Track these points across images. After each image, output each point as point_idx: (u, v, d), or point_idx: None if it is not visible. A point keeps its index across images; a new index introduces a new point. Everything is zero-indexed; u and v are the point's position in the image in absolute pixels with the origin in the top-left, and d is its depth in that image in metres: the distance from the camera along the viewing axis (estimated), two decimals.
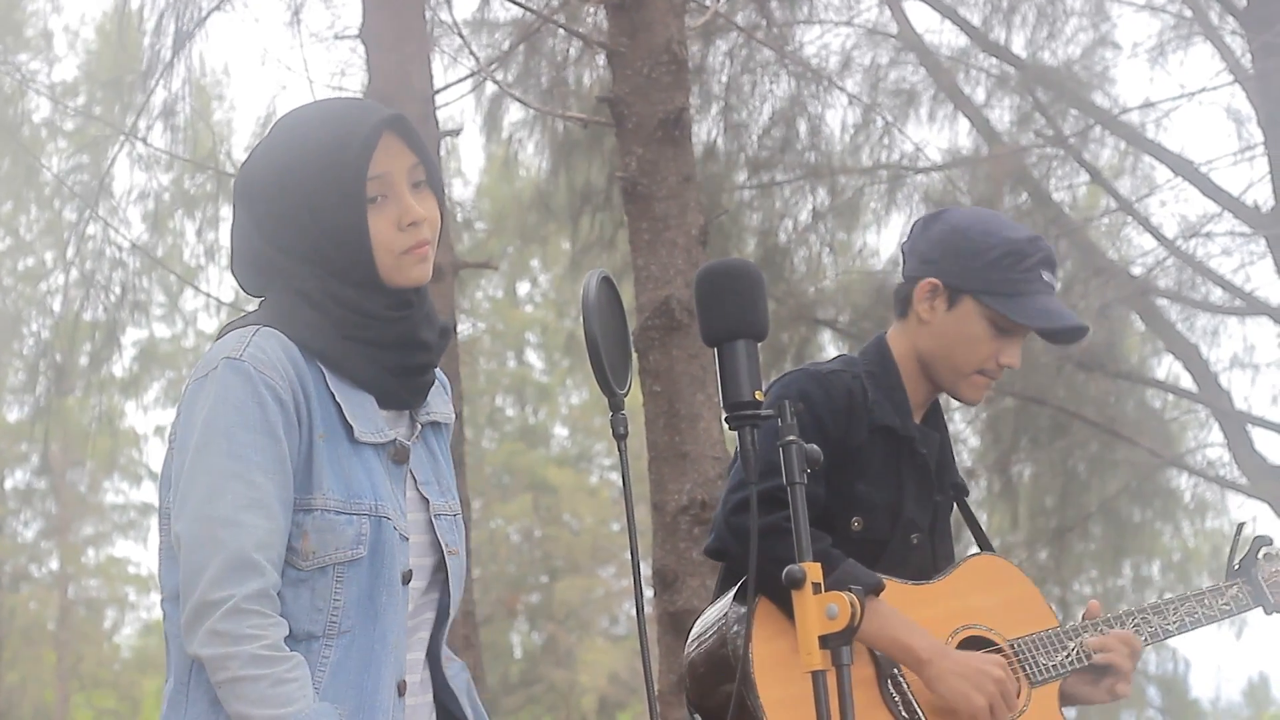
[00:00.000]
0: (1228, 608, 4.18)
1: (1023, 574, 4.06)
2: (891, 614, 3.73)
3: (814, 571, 2.68)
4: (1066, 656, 3.94)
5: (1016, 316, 3.87)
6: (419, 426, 3.02)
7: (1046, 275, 3.91)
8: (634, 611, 2.90)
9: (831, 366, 3.95)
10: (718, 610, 3.83)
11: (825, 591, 2.69)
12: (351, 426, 2.89)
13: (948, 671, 3.73)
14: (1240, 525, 4.29)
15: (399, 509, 2.92)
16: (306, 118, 2.95)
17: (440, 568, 3.01)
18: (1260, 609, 4.21)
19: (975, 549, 4.21)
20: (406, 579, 2.92)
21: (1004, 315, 3.87)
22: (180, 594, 2.80)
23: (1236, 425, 14.28)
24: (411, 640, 2.97)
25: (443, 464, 3.07)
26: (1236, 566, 4.23)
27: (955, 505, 4.14)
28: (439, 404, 3.08)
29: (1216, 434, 14.89)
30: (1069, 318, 3.92)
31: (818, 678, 2.67)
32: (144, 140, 12.26)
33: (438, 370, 3.09)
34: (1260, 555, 4.22)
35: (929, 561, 3.99)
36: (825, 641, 2.67)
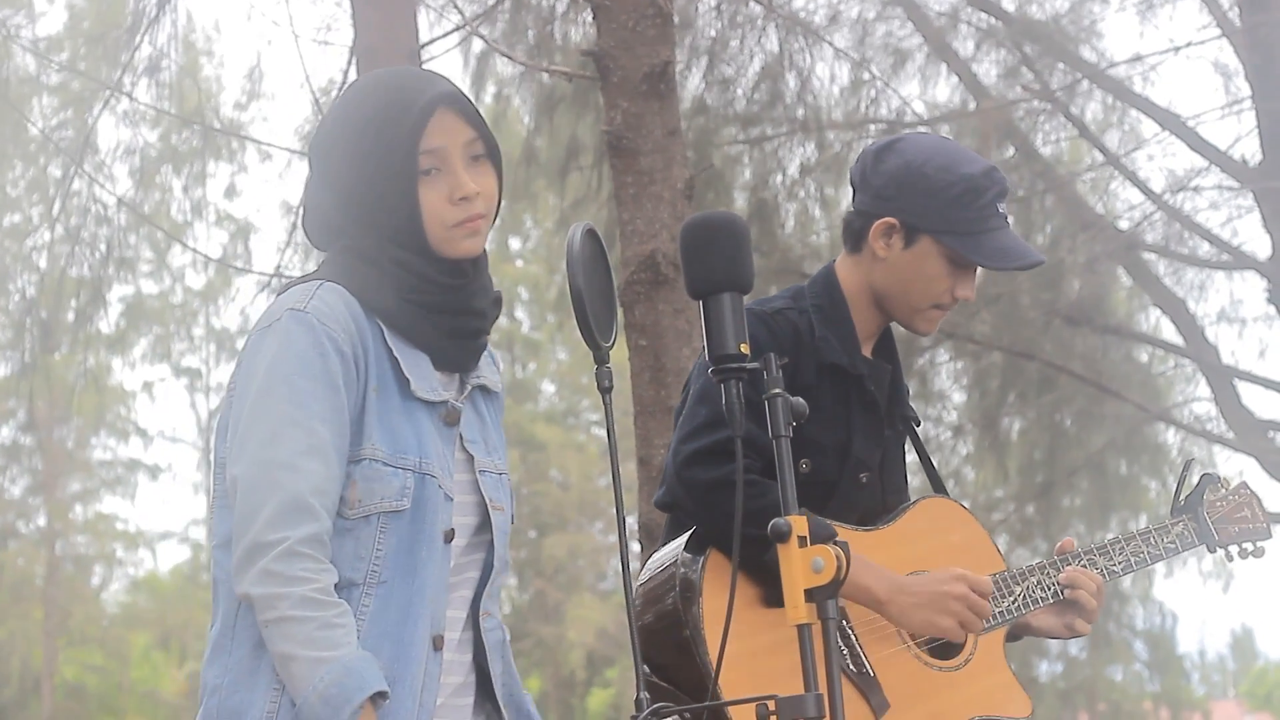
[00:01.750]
0: (1173, 546, 4.18)
1: (971, 515, 4.06)
2: None
3: (800, 524, 2.67)
4: (1013, 602, 3.94)
5: (977, 257, 3.84)
6: (468, 388, 3.07)
7: (1001, 207, 3.87)
8: (621, 567, 2.91)
9: (776, 305, 3.90)
10: (665, 557, 3.80)
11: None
12: (408, 380, 2.95)
13: (908, 606, 3.72)
14: (1188, 462, 4.30)
15: (446, 469, 2.97)
16: (370, 86, 3.03)
17: (483, 529, 3.06)
18: (1204, 547, 4.22)
19: (928, 486, 4.20)
20: (448, 537, 2.97)
21: (964, 254, 3.84)
22: (233, 535, 2.85)
23: (1223, 379, 14.29)
24: (453, 598, 3.01)
25: (490, 428, 3.13)
26: (1182, 503, 4.24)
27: (909, 438, 4.11)
28: (489, 371, 3.14)
29: (1204, 388, 14.91)
30: (1027, 255, 3.88)
31: (804, 631, 2.66)
32: (130, 96, 12.20)
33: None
34: (1206, 494, 4.22)
35: (878, 500, 3.96)
36: (811, 595, 2.66)
